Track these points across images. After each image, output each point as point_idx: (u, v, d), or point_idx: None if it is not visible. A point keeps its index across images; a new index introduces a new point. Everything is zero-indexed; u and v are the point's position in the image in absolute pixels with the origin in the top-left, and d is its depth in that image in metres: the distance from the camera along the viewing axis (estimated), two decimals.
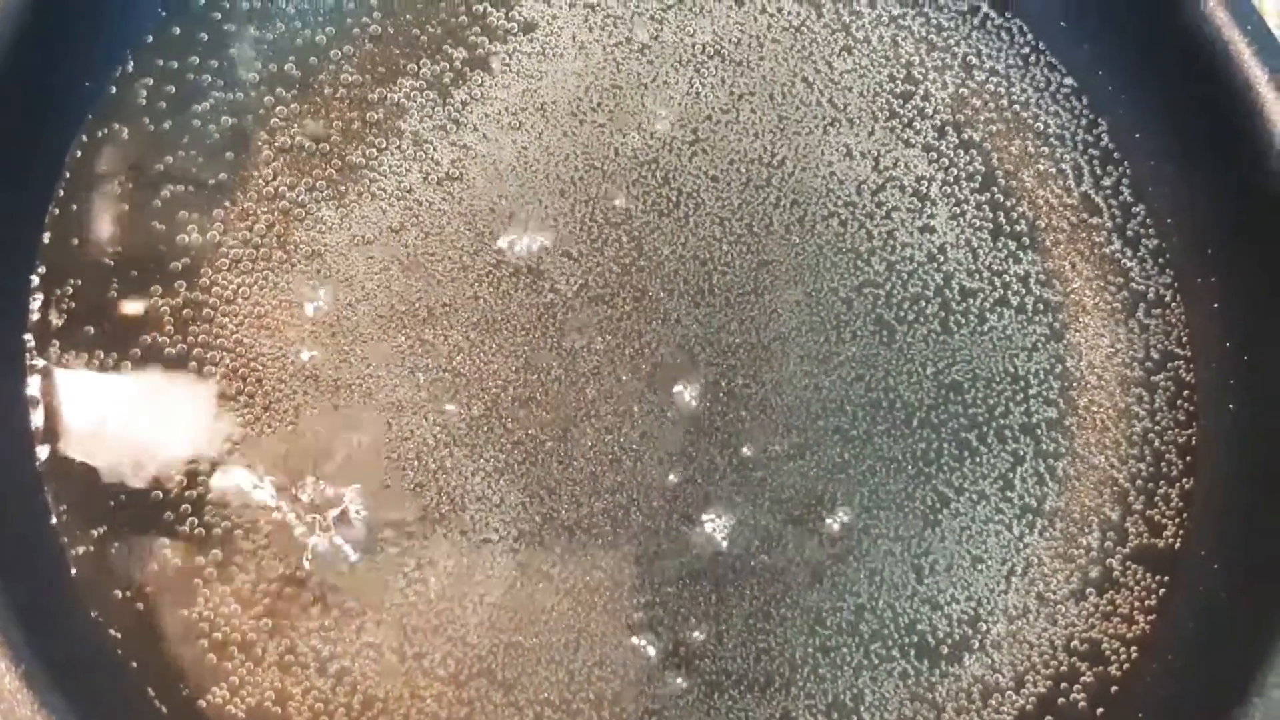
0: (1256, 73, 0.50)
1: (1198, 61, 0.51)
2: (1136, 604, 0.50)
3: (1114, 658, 0.49)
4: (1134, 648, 0.49)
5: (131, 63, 0.51)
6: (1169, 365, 0.52)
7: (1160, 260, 0.53)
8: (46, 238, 0.49)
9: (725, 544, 0.48)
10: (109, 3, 0.50)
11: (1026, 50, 0.56)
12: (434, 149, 0.52)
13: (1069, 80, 0.55)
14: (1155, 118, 0.54)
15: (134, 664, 0.45)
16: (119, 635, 0.45)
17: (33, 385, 0.47)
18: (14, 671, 0.40)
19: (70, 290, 0.48)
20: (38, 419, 0.47)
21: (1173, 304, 0.53)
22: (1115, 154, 0.54)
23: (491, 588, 0.47)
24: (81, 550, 0.46)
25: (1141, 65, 0.54)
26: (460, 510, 0.48)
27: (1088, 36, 0.55)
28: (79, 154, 0.50)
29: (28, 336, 0.48)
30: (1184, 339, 0.52)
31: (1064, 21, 0.55)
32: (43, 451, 0.47)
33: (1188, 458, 0.51)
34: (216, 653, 0.46)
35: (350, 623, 0.46)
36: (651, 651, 0.47)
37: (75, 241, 0.49)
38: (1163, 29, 0.52)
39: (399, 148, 0.51)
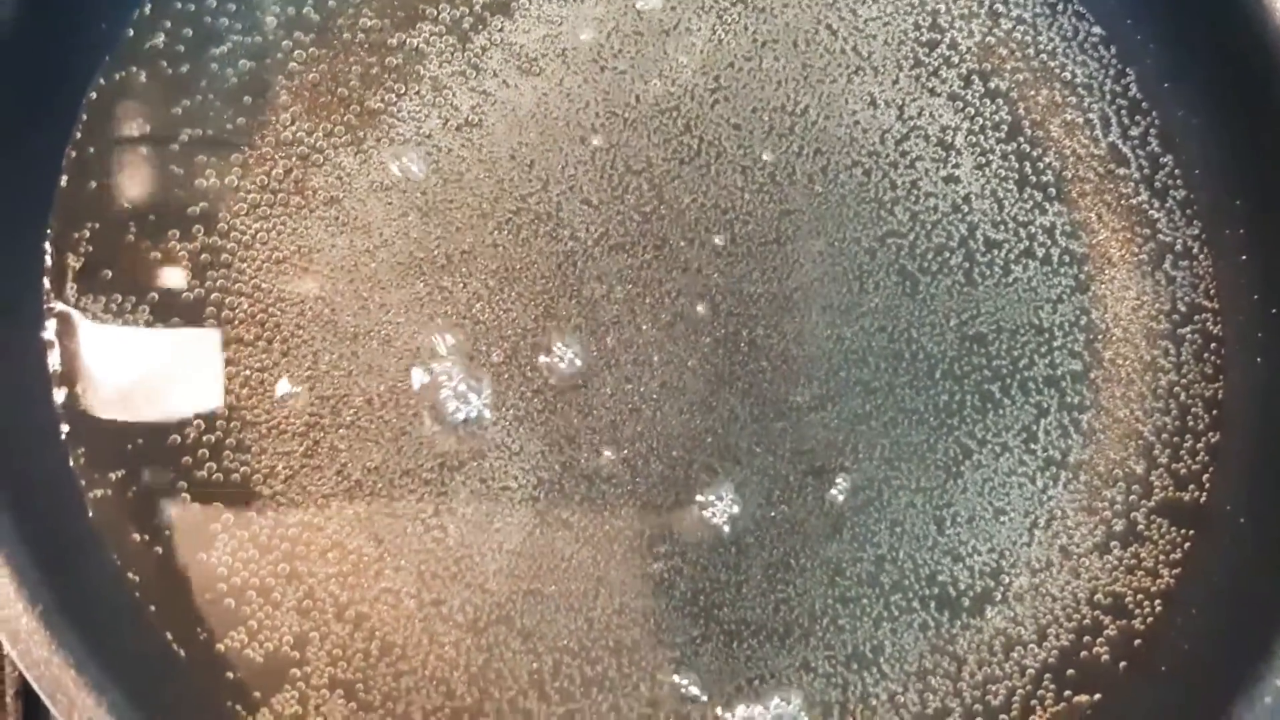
0: None
1: (1228, 11, 0.50)
2: (1161, 558, 0.49)
3: (1137, 611, 0.49)
4: (1158, 601, 0.49)
5: (149, 6, 0.50)
6: (1196, 318, 0.52)
7: (1188, 212, 0.52)
8: (64, 181, 0.48)
9: (745, 494, 0.48)
10: None
11: None
12: (453, 95, 0.51)
13: (1097, 29, 0.54)
14: (1184, 68, 0.53)
15: (152, 607, 0.45)
16: (137, 579, 0.45)
17: (50, 329, 0.47)
18: (31, 612, 0.40)
19: (87, 234, 0.48)
20: (55, 362, 0.47)
21: (1200, 256, 0.52)
22: (1143, 104, 0.53)
23: (510, 535, 0.47)
24: (100, 493, 0.46)
25: (1171, 14, 0.53)
26: (479, 458, 0.47)
27: None
28: (96, 98, 0.49)
29: (45, 280, 0.47)
30: (1211, 291, 0.52)
31: None
32: (60, 395, 0.46)
33: (1214, 411, 0.51)
34: (235, 597, 0.46)
35: (368, 569, 0.46)
36: (671, 600, 0.47)
37: (92, 185, 0.48)
38: None
39: (418, 93, 0.51)
